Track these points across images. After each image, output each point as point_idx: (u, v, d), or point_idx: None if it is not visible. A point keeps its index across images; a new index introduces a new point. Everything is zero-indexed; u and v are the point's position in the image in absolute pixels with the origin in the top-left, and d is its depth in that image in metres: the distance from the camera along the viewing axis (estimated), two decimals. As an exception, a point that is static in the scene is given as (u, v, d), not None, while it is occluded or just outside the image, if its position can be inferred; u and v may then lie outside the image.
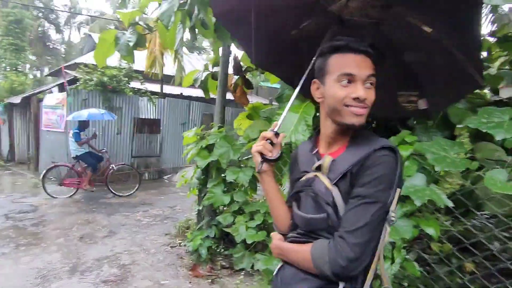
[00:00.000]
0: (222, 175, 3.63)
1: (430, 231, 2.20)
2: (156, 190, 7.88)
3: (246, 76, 3.87)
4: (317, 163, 1.03)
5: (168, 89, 11.73)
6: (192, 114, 10.39)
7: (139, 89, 9.23)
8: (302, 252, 0.99)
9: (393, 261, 2.34)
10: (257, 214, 3.20)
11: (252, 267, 3.27)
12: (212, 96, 4.38)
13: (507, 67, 3.14)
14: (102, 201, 6.51)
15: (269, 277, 2.92)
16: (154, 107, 9.28)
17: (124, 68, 8.87)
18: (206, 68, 4.35)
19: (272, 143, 1.12)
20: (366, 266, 0.93)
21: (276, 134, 1.15)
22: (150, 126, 9.35)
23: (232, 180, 3.37)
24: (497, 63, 3.23)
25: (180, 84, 11.57)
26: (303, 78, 1.27)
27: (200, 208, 4.02)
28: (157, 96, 9.63)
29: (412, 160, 2.23)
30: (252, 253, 3.27)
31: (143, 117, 9.21)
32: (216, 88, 4.06)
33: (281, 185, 2.91)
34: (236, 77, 3.84)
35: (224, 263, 3.55)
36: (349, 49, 0.99)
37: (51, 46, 26.12)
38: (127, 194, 7.01)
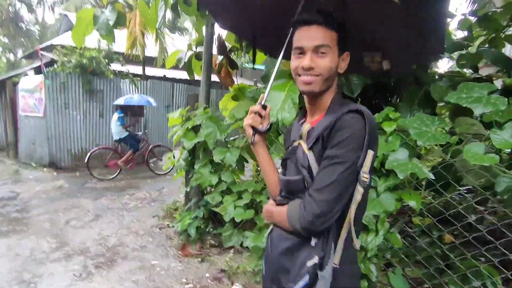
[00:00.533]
0: (209, 156, 3.64)
1: (412, 203, 2.29)
2: (143, 173, 7.82)
3: (231, 57, 3.82)
4: (300, 131, 1.13)
5: (150, 71, 11.46)
6: (176, 96, 10.23)
7: (120, 71, 8.98)
8: (282, 212, 1.08)
9: (377, 233, 2.44)
10: (245, 193, 3.24)
11: (241, 245, 3.34)
12: (196, 77, 4.33)
13: (487, 45, 3.22)
14: (87, 186, 6.43)
15: (258, 254, 2.99)
16: (136, 90, 9.07)
17: (103, 50, 8.58)
18: (189, 48, 4.26)
19: (260, 116, 1.21)
20: (339, 224, 1.00)
21: (264, 107, 1.22)
22: (133, 109, 9.15)
23: (219, 161, 3.38)
24: (477, 42, 3.30)
25: (162, 66, 11.32)
26: (281, 51, 1.29)
27: (188, 189, 4.03)
28: (139, 79, 9.40)
29: (395, 135, 2.29)
30: (241, 231, 3.33)
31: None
32: (201, 69, 4.00)
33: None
34: (220, 57, 3.79)
35: (213, 242, 3.61)
36: (303, 22, 1.07)
37: (24, 28, 24.85)
38: (163, 172, 7.47)
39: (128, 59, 9.95)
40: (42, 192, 5.89)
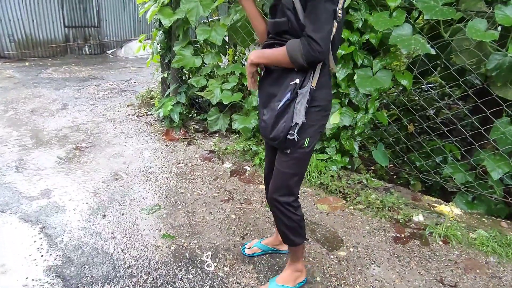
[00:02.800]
0: (190, 36, 3.36)
1: (405, 82, 2.37)
2: (102, 65, 7.21)
3: None
4: None
5: None
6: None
7: None
8: (279, 50, 1.22)
9: (366, 111, 2.55)
10: (232, 76, 3.14)
11: (227, 129, 3.40)
12: None
13: None
14: (43, 76, 5.85)
15: (246, 135, 3.08)
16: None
17: None
18: None
19: None
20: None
21: None
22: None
23: (202, 41, 3.14)
24: None
25: None
26: None
27: (165, 75, 3.81)
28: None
29: (400, 10, 2.20)
30: (227, 115, 3.34)
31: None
32: None
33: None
34: None
35: (197, 127, 3.62)
36: None
37: None
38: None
39: None
40: (-9, 81, 5.28)
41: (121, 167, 2.82)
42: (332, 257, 1.89)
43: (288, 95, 1.22)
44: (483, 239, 2.06)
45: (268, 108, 1.30)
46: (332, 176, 2.63)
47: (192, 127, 3.62)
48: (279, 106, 1.23)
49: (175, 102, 3.57)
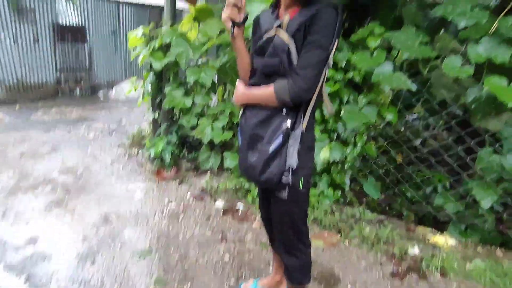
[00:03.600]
0: (180, 78, 3.46)
1: (390, 116, 2.45)
2: (93, 106, 7.27)
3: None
4: (278, 22, 1.25)
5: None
6: (123, 20, 9.19)
7: (53, -13, 7.69)
8: (266, 90, 1.26)
9: (355, 145, 2.61)
10: (222, 115, 3.20)
11: (219, 167, 3.40)
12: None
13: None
14: (33, 119, 5.85)
15: (238, 173, 3.08)
16: (76, 11, 7.95)
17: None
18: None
19: (238, 8, 1.28)
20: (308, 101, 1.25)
21: None
22: (74, 34, 8.11)
23: (191, 82, 3.23)
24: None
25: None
26: None
27: (156, 115, 3.86)
28: (77, -3, 8.18)
29: (380, 50, 2.34)
30: (218, 153, 3.36)
31: (64, 22, 7.90)
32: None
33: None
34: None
35: (189, 166, 3.62)
36: None
37: None
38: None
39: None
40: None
41: (112, 209, 2.76)
42: (330, 296, 1.84)
43: (280, 138, 1.23)
44: (479, 270, 2.04)
45: (255, 151, 1.29)
46: (325, 211, 2.62)
47: (183, 166, 3.61)
48: (271, 149, 1.23)
49: (166, 141, 3.59)
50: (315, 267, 2.09)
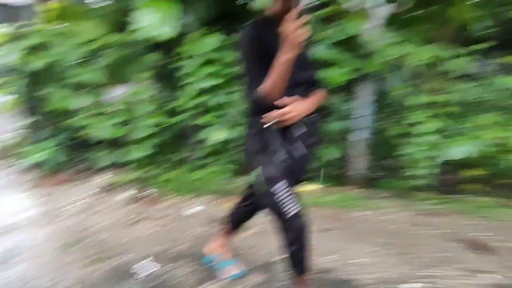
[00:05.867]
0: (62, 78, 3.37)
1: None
2: None
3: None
4: None
5: None
6: None
7: None
8: (317, 97, 1.60)
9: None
10: (117, 112, 3.30)
11: (117, 162, 3.48)
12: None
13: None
14: None
15: (142, 167, 3.28)
16: None
17: None
18: None
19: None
20: None
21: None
22: None
23: (76, 82, 3.21)
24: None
25: None
26: None
27: (32, 121, 3.60)
28: None
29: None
30: (113, 150, 3.43)
31: None
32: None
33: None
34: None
35: (81, 167, 3.56)
36: None
37: None
38: None
39: None
40: None
41: (9, 223, 2.60)
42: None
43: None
44: (331, 201, 2.95)
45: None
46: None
47: (76, 168, 3.53)
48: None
49: (52, 145, 3.43)
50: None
